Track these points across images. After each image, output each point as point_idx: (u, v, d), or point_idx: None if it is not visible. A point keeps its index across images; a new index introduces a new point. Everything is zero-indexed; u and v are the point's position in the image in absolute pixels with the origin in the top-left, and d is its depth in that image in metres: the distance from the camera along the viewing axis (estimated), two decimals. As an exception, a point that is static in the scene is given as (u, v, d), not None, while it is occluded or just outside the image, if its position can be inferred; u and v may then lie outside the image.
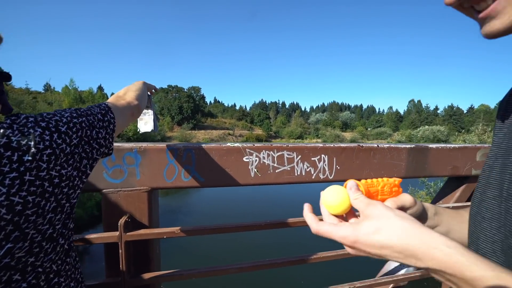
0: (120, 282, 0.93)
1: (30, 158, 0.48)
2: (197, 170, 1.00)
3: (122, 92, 0.84)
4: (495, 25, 0.40)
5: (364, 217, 0.43)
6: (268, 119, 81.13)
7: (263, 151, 1.06)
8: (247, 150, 1.04)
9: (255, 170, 1.06)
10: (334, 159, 1.16)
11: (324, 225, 0.45)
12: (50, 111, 0.60)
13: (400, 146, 1.28)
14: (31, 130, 0.50)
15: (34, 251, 0.50)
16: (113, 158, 0.93)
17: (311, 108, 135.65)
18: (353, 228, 0.42)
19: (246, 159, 1.05)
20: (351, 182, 0.49)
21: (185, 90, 64.91)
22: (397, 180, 0.53)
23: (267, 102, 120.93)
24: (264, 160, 1.07)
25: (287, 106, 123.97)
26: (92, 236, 0.90)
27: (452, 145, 1.38)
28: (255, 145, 1.06)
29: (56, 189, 0.52)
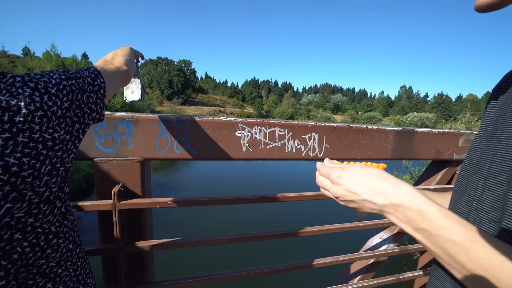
0: (115, 249, 0.96)
1: (21, 119, 0.47)
2: (190, 142, 1.00)
3: (110, 57, 0.81)
4: None
5: (349, 165, 0.54)
6: (260, 98, 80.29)
7: (255, 126, 1.07)
8: (240, 124, 1.05)
9: (247, 145, 1.08)
10: (324, 138, 1.19)
11: (322, 164, 0.58)
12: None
13: (388, 128, 1.32)
14: (20, 90, 0.49)
15: (33, 212, 0.51)
16: (105, 127, 0.92)
17: (304, 88, 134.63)
18: (341, 168, 0.53)
19: (238, 133, 1.06)
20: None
21: (176, 63, 62.69)
22: (381, 166, 0.56)
23: (259, 80, 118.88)
24: (256, 136, 1.08)
25: (279, 86, 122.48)
26: (86, 203, 0.91)
27: (437, 130, 1.43)
28: (248, 120, 1.07)
29: (50, 152, 0.52)
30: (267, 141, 1.11)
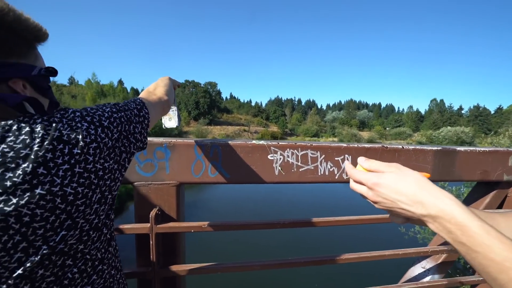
0: (151, 272, 0.98)
1: (79, 151, 0.52)
2: (223, 166, 1.02)
3: (152, 88, 0.87)
4: None
5: (387, 168, 0.52)
6: (283, 116, 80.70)
7: (288, 149, 1.07)
8: (272, 148, 1.06)
9: (279, 168, 1.08)
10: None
11: (356, 170, 0.56)
12: (74, 103, 0.64)
13: (426, 148, 1.25)
14: (79, 124, 0.54)
15: (83, 239, 0.54)
16: (144, 152, 0.97)
17: (328, 105, 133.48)
18: (377, 175, 0.51)
19: (271, 157, 1.06)
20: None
21: (202, 85, 65.63)
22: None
23: (283, 99, 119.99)
24: (288, 159, 1.08)
25: (303, 104, 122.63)
26: (125, 226, 0.95)
27: (482, 149, 1.33)
28: (280, 143, 1.07)
29: (101, 181, 0.55)
30: (299, 164, 1.09)
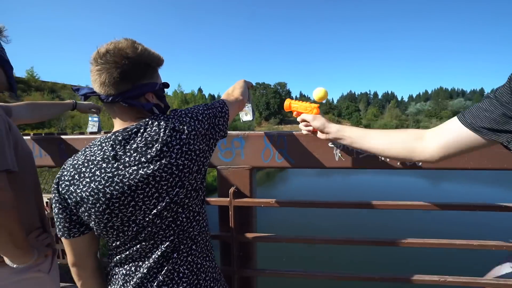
0: (230, 237, 1.23)
1: (184, 137, 0.77)
2: (289, 153, 1.19)
3: (231, 90, 1.11)
4: None
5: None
6: (357, 112, 75.49)
7: (347, 137, 1.16)
8: (332, 136, 1.17)
9: (339, 154, 1.18)
10: (423, 146, 1.15)
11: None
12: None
13: (510, 133, 1.14)
14: (184, 119, 0.79)
15: (188, 196, 0.79)
16: (225, 142, 1.23)
17: (410, 97, 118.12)
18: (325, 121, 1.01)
19: (331, 144, 1.18)
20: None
21: (272, 86, 67.19)
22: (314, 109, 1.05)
23: (356, 94, 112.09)
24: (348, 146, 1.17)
25: (379, 97, 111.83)
26: (212, 199, 1.22)
27: None
28: (339, 132, 1.17)
29: (197, 158, 0.80)
30: (359, 150, 1.17)
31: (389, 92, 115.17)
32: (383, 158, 1.16)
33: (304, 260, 7.93)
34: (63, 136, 1.32)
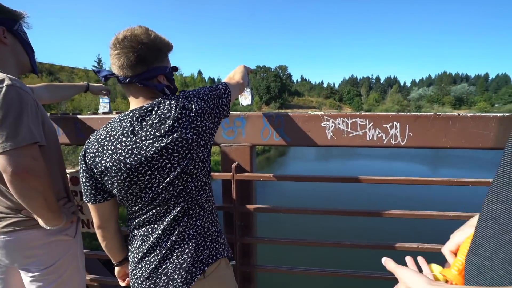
0: (232, 208, 1.37)
1: (193, 114, 0.88)
2: (285, 132, 1.31)
3: (232, 74, 1.21)
4: None
5: None
6: (359, 97, 74.84)
7: (338, 118, 1.28)
8: (325, 117, 1.29)
9: (331, 134, 1.30)
10: (407, 126, 1.27)
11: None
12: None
13: (487, 115, 1.26)
14: (192, 99, 0.91)
15: (196, 167, 0.92)
16: (227, 122, 1.34)
17: (413, 81, 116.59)
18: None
19: (324, 124, 1.29)
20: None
21: (272, 69, 66.20)
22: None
23: (358, 78, 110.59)
24: (339, 126, 1.29)
25: (381, 82, 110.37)
26: (215, 174, 1.35)
27: None
28: (332, 113, 1.29)
29: (204, 133, 0.92)
30: (349, 130, 1.29)
31: (392, 76, 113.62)
32: (369, 137, 1.28)
33: (298, 231, 9.03)
34: (79, 116, 1.44)
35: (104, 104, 1.67)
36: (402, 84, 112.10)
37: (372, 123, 1.28)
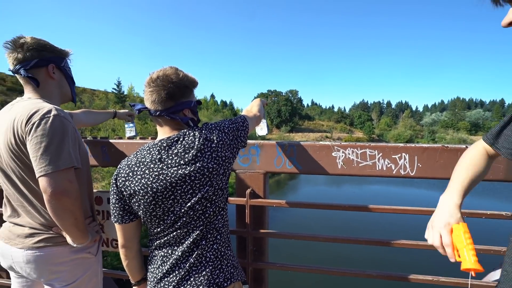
0: (245, 232, 1.42)
1: (214, 145, 0.98)
2: (297, 160, 1.38)
3: (250, 107, 1.32)
4: None
5: None
6: (370, 121, 74.53)
7: (348, 148, 1.35)
8: (335, 147, 1.36)
9: (342, 163, 1.36)
10: (416, 157, 1.31)
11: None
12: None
13: (495, 148, 1.29)
14: (214, 131, 1.00)
15: (215, 193, 0.99)
16: (243, 150, 1.43)
17: (425, 107, 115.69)
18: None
19: (334, 154, 1.36)
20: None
21: (283, 94, 67.48)
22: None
23: (369, 103, 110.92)
24: (349, 156, 1.35)
25: (393, 106, 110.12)
26: (230, 198, 1.42)
27: None
28: (342, 143, 1.36)
29: (223, 163, 1.00)
30: (359, 160, 1.35)
31: (403, 101, 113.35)
32: (379, 167, 1.33)
33: (309, 257, 9.05)
34: (107, 140, 1.56)
35: (129, 128, 1.81)
36: (414, 109, 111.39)
37: (381, 153, 1.33)
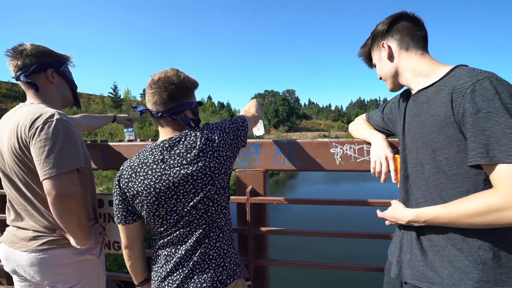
0: (247, 230, 1.44)
1: (215, 145, 0.99)
2: (296, 158, 1.40)
3: (247, 108, 1.34)
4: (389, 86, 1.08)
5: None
6: (367, 119, 74.79)
7: (346, 144, 1.37)
8: (333, 143, 1.38)
9: (340, 159, 1.38)
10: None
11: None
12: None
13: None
14: (215, 131, 1.02)
15: (217, 192, 1.01)
16: (242, 149, 1.44)
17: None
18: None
19: (332, 150, 1.38)
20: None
21: (280, 93, 67.62)
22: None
23: (365, 100, 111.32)
24: (347, 152, 1.37)
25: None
26: (231, 197, 1.43)
27: None
28: (340, 140, 1.38)
29: (225, 162, 1.02)
30: (356, 155, 1.37)
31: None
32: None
33: (310, 251, 9.34)
34: (106, 143, 1.58)
35: (129, 133, 1.82)
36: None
37: (378, 149, 1.35)
